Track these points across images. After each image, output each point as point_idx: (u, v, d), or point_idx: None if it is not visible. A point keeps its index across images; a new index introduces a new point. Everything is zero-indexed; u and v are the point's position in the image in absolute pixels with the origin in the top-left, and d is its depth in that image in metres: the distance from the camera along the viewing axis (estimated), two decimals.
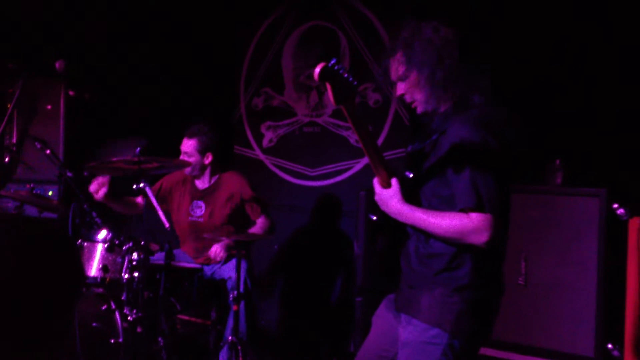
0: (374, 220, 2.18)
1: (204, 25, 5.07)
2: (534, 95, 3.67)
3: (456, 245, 2.05)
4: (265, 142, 5.07)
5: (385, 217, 2.12)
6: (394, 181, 2.08)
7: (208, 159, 3.96)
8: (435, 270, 2.08)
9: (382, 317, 2.32)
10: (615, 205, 2.97)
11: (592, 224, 3.15)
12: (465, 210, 1.99)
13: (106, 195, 3.67)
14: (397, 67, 2.16)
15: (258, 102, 5.11)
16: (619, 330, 2.63)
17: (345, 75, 1.86)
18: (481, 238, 1.97)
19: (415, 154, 2.18)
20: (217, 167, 4.03)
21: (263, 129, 5.08)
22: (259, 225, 3.95)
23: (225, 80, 5.23)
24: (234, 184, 3.97)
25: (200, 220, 4.00)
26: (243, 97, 5.18)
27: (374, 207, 2.17)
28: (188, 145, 3.93)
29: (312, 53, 4.82)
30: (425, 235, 2.09)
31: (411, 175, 2.14)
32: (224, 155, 4.71)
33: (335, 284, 4.61)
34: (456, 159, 2.02)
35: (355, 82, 1.88)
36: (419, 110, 2.18)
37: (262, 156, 5.08)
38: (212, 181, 4.02)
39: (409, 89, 2.16)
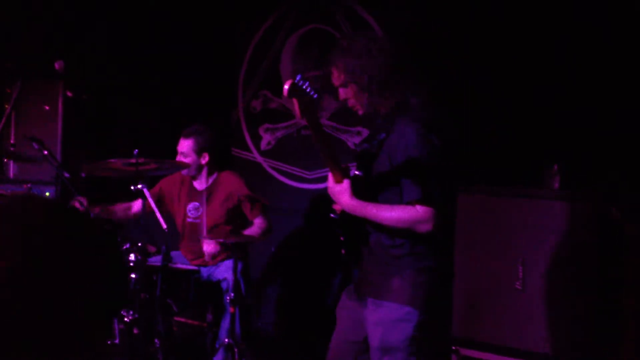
0: (333, 218, 2.40)
1: (203, 27, 5.07)
2: (532, 99, 3.68)
3: (412, 232, 2.24)
4: (263, 145, 5.07)
5: (343, 214, 2.32)
6: (345, 179, 2.29)
7: (205, 159, 3.95)
8: (400, 255, 2.28)
9: (346, 307, 2.47)
10: (613, 210, 2.98)
11: (589, 228, 3.16)
12: (411, 202, 2.20)
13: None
14: (338, 74, 2.35)
15: (256, 105, 5.12)
16: (617, 334, 2.64)
17: (309, 89, 2.04)
18: (427, 227, 2.21)
19: (364, 154, 2.37)
20: (215, 168, 4.02)
21: (261, 132, 5.08)
22: (257, 225, 3.94)
23: (223, 82, 5.23)
24: (231, 183, 3.96)
25: (198, 221, 3.99)
26: (241, 99, 5.18)
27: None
28: (184, 145, 3.93)
29: (311, 56, 4.82)
30: (378, 225, 2.28)
31: (360, 174, 2.34)
32: (222, 157, 4.72)
33: (331, 286, 4.61)
34: (401, 156, 2.22)
35: (316, 96, 2.07)
36: (360, 112, 2.39)
37: (260, 158, 5.08)
38: (210, 182, 4.02)
39: (349, 94, 2.36)
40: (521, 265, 3.31)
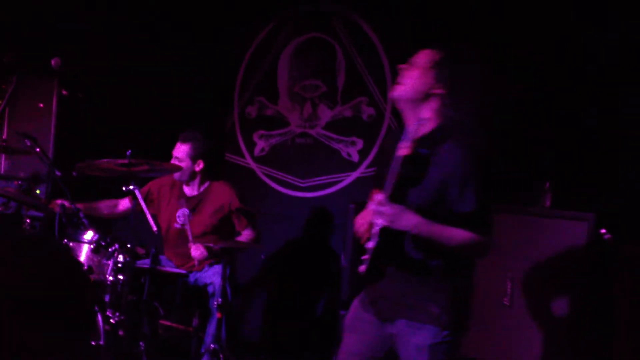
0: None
1: (202, 30, 5.07)
2: (526, 116, 3.70)
3: (450, 255, 2.24)
4: (257, 151, 5.06)
5: (386, 231, 2.22)
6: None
7: (199, 166, 3.95)
8: (438, 278, 2.28)
9: (364, 320, 2.41)
10: (603, 231, 2.99)
11: (579, 247, 3.17)
12: (473, 229, 2.20)
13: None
14: (429, 59, 2.32)
15: (252, 111, 5.11)
16: (606, 353, 2.65)
17: None
18: (484, 253, 2.28)
19: (405, 177, 2.27)
20: (207, 176, 4.01)
21: (255, 138, 5.07)
22: (245, 236, 3.95)
23: (219, 86, 5.22)
24: (223, 194, 3.96)
25: (186, 227, 3.98)
26: (237, 104, 5.18)
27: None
28: (180, 150, 3.92)
29: (308, 64, 4.83)
30: (426, 245, 2.23)
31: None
32: (215, 163, 4.70)
33: (320, 296, 4.59)
34: (460, 179, 2.20)
35: None
36: (400, 94, 2.32)
37: (253, 165, 5.07)
38: (202, 189, 4.01)
39: (415, 76, 2.32)
40: (510, 281, 3.32)
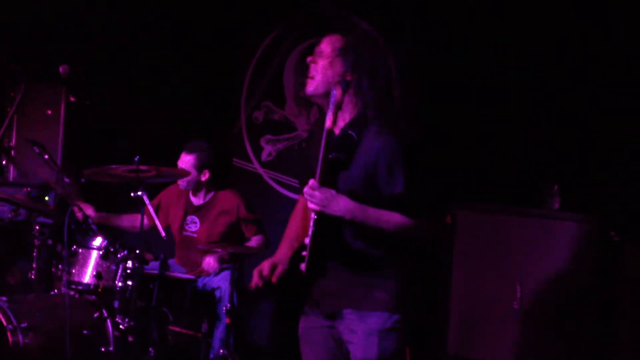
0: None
1: (208, 36, 5.09)
2: (534, 119, 3.69)
3: (392, 243, 2.22)
4: (264, 156, 5.07)
5: (320, 223, 2.15)
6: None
7: (205, 176, 3.94)
8: (385, 263, 2.24)
9: (319, 326, 2.35)
10: (612, 233, 2.99)
11: (588, 250, 3.16)
12: (405, 212, 2.16)
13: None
14: (329, 45, 2.28)
15: (259, 116, 5.12)
16: (614, 354, 2.64)
17: None
18: (422, 238, 2.24)
19: (333, 165, 2.21)
20: (213, 185, 4.02)
21: (262, 143, 5.08)
22: (254, 242, 3.96)
23: (227, 91, 5.24)
24: (230, 202, 3.96)
25: (195, 235, 3.99)
26: (244, 109, 5.19)
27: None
28: (185, 161, 3.90)
29: None
30: (365, 233, 2.19)
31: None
32: (222, 172, 4.72)
33: None
34: (386, 170, 2.15)
35: None
36: (310, 89, 2.28)
37: (260, 170, 5.08)
38: (207, 198, 4.02)
39: (320, 66, 2.27)
40: (519, 284, 3.31)
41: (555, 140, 3.62)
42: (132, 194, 3.32)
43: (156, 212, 3.90)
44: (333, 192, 2.13)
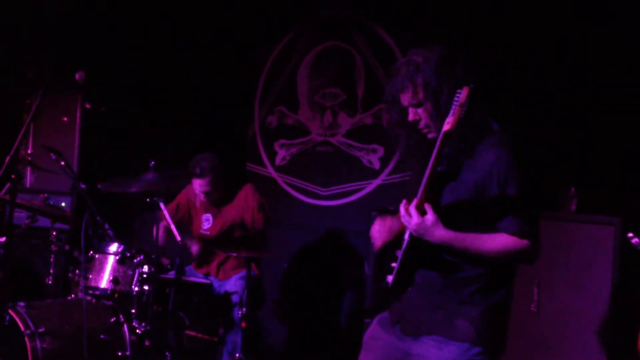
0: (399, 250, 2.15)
1: (222, 41, 5.11)
2: (551, 120, 3.67)
3: (491, 266, 2.10)
4: (278, 160, 5.08)
5: (414, 244, 2.09)
6: (428, 207, 2.07)
7: (221, 188, 3.96)
8: (471, 291, 2.13)
9: (381, 339, 2.29)
10: (630, 235, 2.95)
11: (606, 252, 3.12)
12: (516, 234, 2.06)
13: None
14: (414, 93, 2.15)
15: (272, 120, 5.13)
16: (633, 358, 2.60)
17: None
18: (530, 259, 2.12)
19: (439, 178, 2.12)
20: (229, 185, 4.03)
21: (276, 147, 5.09)
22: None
23: (240, 96, 5.25)
24: (246, 198, 3.98)
25: (208, 233, 4.01)
26: (257, 114, 5.20)
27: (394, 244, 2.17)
28: (203, 185, 3.88)
29: (328, 73, 4.84)
30: (457, 258, 2.10)
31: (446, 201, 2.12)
32: (237, 173, 4.74)
33: (343, 305, 4.58)
34: (497, 184, 2.05)
35: None
36: (431, 136, 2.17)
37: (274, 174, 5.08)
38: (223, 195, 4.03)
39: (423, 114, 2.15)
40: (536, 287, 3.28)
41: (571, 141, 3.59)
42: (147, 200, 3.34)
43: (175, 213, 3.96)
44: (430, 221, 2.05)
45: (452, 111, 2.01)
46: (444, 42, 4.00)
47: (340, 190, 4.73)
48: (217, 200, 3.98)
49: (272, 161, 5.10)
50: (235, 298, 3.79)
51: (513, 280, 2.20)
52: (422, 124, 2.17)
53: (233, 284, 3.88)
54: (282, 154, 5.06)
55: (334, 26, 4.80)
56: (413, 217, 2.07)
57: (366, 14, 4.62)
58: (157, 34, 4.95)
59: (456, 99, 2.01)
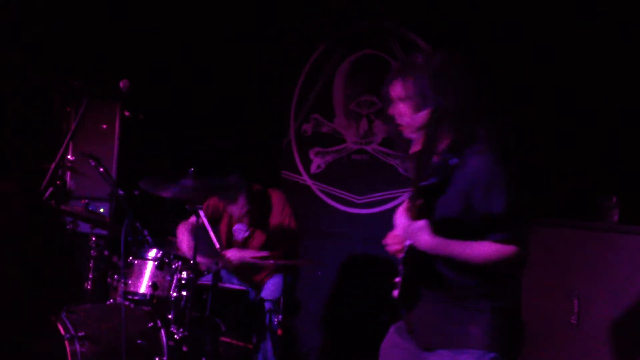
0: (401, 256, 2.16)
1: (258, 51, 5.15)
2: (591, 129, 3.62)
3: (487, 273, 2.10)
4: (313, 168, 5.09)
5: (410, 253, 2.10)
6: (422, 217, 2.07)
7: (247, 204, 4.02)
8: (477, 299, 2.13)
9: (399, 347, 2.30)
10: None
11: None
12: (502, 241, 2.05)
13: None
14: (402, 88, 2.16)
15: (307, 128, 5.15)
16: None
17: None
18: (516, 266, 2.09)
19: (429, 187, 2.13)
20: (266, 195, 4.07)
21: (311, 155, 5.10)
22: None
23: (276, 104, 5.28)
24: (277, 206, 4.00)
25: (245, 241, 4.03)
26: (293, 122, 5.22)
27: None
28: (238, 207, 3.98)
29: (363, 81, 4.84)
30: (456, 264, 2.10)
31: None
32: (271, 180, 4.76)
33: (379, 314, 4.55)
34: (483, 191, 2.05)
35: None
36: (406, 134, 2.19)
37: (309, 182, 5.09)
38: (249, 206, 4.06)
39: (405, 111, 2.17)
40: (577, 299, 3.22)
41: (613, 149, 3.53)
42: (187, 207, 3.38)
43: (212, 215, 4.01)
44: (418, 225, 2.06)
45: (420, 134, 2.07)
46: (480, 48, 4.01)
47: (375, 199, 4.72)
48: (257, 213, 4.02)
49: (307, 169, 5.11)
50: (269, 305, 3.80)
51: (519, 282, 2.22)
52: (400, 120, 2.20)
53: (268, 290, 3.89)
54: (317, 162, 5.07)
55: (370, 34, 4.80)
56: (405, 221, 2.08)
57: (402, 22, 4.61)
58: (197, 45, 5.01)
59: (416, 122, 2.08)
